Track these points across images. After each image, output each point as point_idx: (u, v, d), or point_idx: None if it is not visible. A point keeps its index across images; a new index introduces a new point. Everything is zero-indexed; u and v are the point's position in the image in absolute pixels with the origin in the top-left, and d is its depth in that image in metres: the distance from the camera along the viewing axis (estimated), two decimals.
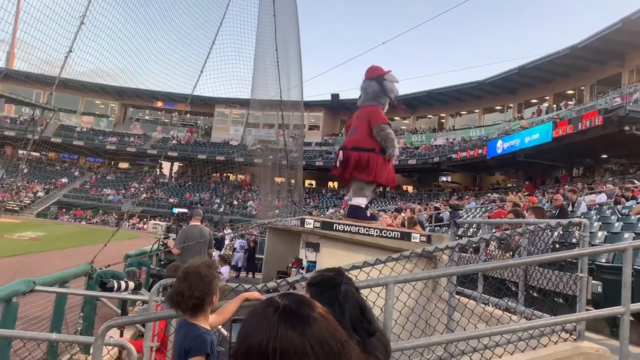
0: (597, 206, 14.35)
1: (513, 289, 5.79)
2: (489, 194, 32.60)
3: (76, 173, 57.28)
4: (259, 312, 1.16)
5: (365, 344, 1.85)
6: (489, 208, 19.05)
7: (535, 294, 5.37)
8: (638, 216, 9.86)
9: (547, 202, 16.83)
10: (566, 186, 23.09)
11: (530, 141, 30.85)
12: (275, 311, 1.13)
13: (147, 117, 62.22)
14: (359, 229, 6.22)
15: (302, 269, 7.15)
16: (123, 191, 53.48)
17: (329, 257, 6.12)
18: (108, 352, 4.52)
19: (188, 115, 59.33)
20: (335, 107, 52.90)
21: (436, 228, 15.67)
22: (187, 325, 2.77)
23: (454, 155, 39.92)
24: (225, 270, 12.66)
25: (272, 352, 1.06)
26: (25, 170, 50.51)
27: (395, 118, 46.75)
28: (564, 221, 5.17)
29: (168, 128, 59.47)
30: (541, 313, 4.58)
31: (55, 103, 23.75)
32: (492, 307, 4.99)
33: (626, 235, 8.09)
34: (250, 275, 17.01)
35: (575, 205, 12.78)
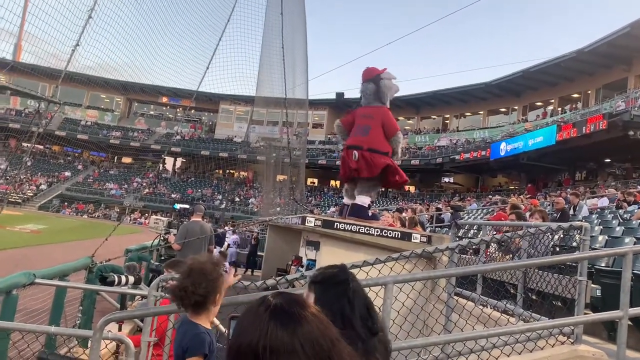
0: (598, 210, 14.35)
1: (512, 291, 5.79)
2: (490, 196, 32.59)
3: (79, 166, 57.44)
4: (252, 310, 1.18)
5: (367, 343, 1.81)
6: (490, 210, 19.05)
7: (533, 297, 5.37)
8: (639, 221, 9.85)
9: (549, 205, 16.83)
10: (568, 189, 23.06)
11: (533, 144, 30.81)
12: (266, 310, 1.15)
13: (151, 112, 62.40)
14: (359, 229, 6.24)
15: (302, 266, 7.18)
16: (125, 186, 53.60)
17: (329, 256, 6.14)
18: (106, 346, 4.54)
19: (193, 111, 59.43)
20: (340, 105, 52.62)
21: (437, 229, 15.67)
22: (187, 324, 2.74)
23: (457, 157, 39.92)
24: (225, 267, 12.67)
25: (262, 350, 1.08)
26: (29, 163, 50.69)
27: (399, 118, 46.69)
28: (565, 224, 5.18)
29: (172, 123, 59.50)
30: (539, 316, 4.58)
31: (61, 96, 23.74)
32: (491, 309, 4.99)
33: (627, 239, 8.06)
34: (249, 272, 16.99)
35: (577, 208, 12.78)
